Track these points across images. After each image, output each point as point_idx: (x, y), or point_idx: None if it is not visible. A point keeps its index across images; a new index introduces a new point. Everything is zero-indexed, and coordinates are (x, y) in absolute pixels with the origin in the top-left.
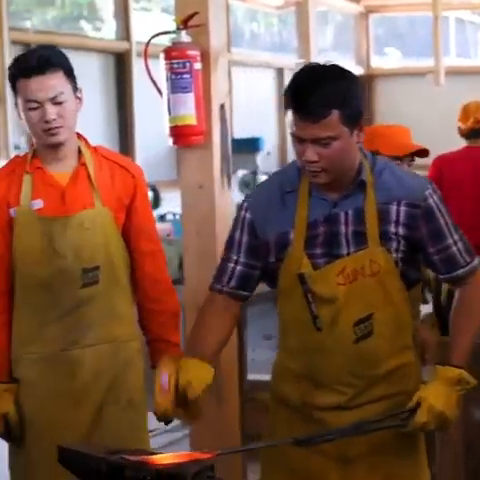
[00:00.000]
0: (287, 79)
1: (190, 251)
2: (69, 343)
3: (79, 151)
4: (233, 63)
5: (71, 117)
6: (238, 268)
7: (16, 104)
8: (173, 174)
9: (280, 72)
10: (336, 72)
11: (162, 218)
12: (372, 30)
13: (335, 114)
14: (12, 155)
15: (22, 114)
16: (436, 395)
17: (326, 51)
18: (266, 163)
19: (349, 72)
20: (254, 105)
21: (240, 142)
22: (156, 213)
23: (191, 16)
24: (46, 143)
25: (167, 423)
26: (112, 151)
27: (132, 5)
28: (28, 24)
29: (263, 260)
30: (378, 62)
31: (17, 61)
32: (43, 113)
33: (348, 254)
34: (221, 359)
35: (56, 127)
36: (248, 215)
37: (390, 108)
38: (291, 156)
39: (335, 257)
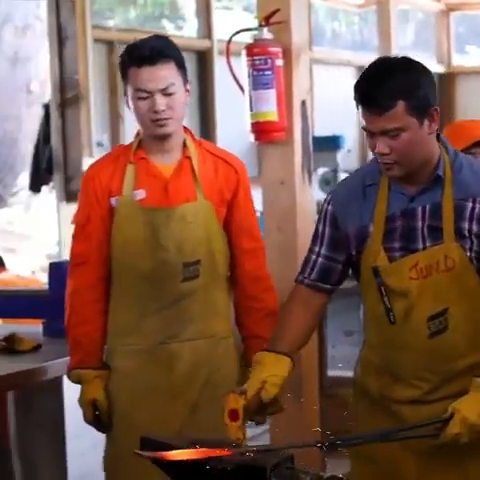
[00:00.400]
0: None
1: (271, 247)
2: (168, 336)
3: (184, 144)
4: (314, 61)
5: (180, 109)
6: (319, 260)
7: (125, 92)
8: (254, 171)
9: (361, 70)
10: (403, 64)
11: None
12: (453, 28)
13: (401, 105)
14: (95, 153)
15: (131, 103)
16: (470, 407)
17: (407, 49)
18: (346, 161)
19: (418, 63)
20: (335, 103)
21: (321, 140)
22: None
23: (273, 13)
24: (154, 134)
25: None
26: (216, 146)
27: (214, 4)
28: (110, 23)
29: (345, 253)
30: (459, 60)
31: (129, 49)
32: (152, 103)
33: (424, 249)
34: (301, 355)
35: (165, 118)
36: (330, 207)
37: (471, 106)
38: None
39: (411, 251)
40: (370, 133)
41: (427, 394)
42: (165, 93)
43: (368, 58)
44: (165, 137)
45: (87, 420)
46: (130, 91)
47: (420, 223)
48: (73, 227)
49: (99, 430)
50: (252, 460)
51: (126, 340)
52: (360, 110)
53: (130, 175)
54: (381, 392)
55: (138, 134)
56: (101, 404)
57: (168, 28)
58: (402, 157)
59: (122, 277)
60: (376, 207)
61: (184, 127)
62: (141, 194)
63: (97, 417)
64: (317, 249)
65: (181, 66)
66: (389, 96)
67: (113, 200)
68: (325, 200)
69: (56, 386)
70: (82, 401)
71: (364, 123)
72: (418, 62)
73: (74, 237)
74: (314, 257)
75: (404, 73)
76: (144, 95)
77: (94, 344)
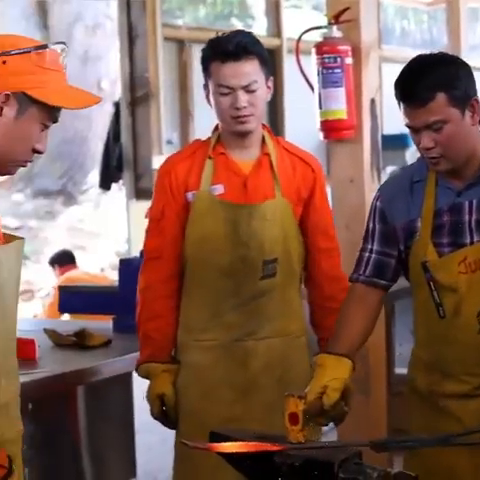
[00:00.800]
0: None
1: (340, 245)
2: (245, 333)
3: (263, 141)
4: (383, 59)
5: (261, 106)
6: (373, 256)
7: (205, 86)
8: (323, 169)
9: None
10: (440, 58)
11: None
12: None
13: (441, 97)
14: (165, 150)
15: (211, 97)
16: None
17: (476, 48)
18: (415, 159)
19: (457, 58)
20: None
21: (389, 138)
22: None
23: (343, 11)
24: (234, 130)
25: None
26: (293, 144)
27: (283, 3)
28: (180, 22)
29: (396, 248)
30: None
31: (213, 44)
32: (234, 99)
33: (471, 243)
34: (369, 353)
35: (246, 115)
36: (379, 204)
37: None
38: None
39: (460, 246)
40: (413, 129)
41: (476, 389)
42: (247, 90)
43: None
44: (245, 134)
45: (154, 415)
46: (212, 86)
47: (467, 217)
48: (147, 222)
49: (166, 425)
50: (320, 455)
51: (201, 336)
52: (402, 107)
53: (208, 170)
54: (430, 388)
55: (216, 129)
56: (169, 399)
57: (237, 27)
58: (447, 150)
59: (198, 273)
60: (424, 202)
61: (262, 124)
62: (219, 189)
63: (164, 412)
64: (369, 246)
65: (264, 63)
66: (429, 88)
67: (189, 195)
68: (374, 197)
69: (125, 381)
70: (150, 395)
71: (407, 120)
72: (455, 56)
73: (148, 232)
74: (367, 254)
75: (442, 66)
76: (226, 91)
77: (165, 339)
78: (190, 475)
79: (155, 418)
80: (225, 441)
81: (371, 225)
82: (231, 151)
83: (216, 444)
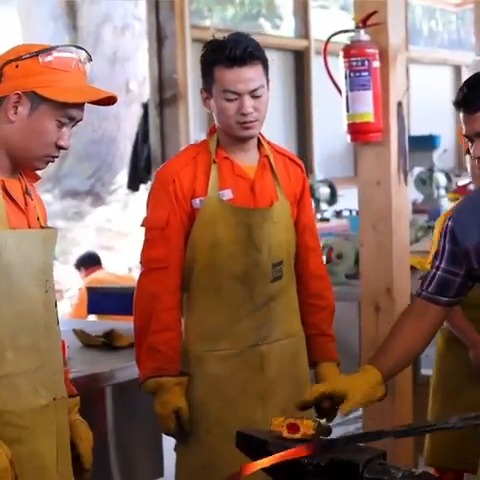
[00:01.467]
0: (464, 76)
1: (366, 246)
2: (259, 338)
3: (259, 143)
4: (410, 61)
5: (265, 110)
6: (438, 274)
7: (204, 90)
8: (349, 171)
9: (457, 70)
10: None
11: (338, 214)
12: None
13: None
14: None
15: (213, 102)
16: None
17: None
18: (442, 160)
19: None
20: (431, 103)
21: (417, 139)
22: (332, 209)
23: (370, 15)
24: (238, 135)
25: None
26: (278, 144)
27: (311, 3)
28: (208, 22)
29: (465, 267)
30: None
31: (216, 48)
32: (241, 105)
33: None
34: None
35: (251, 121)
36: (450, 223)
37: None
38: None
39: None
40: (469, 138)
41: None
42: (253, 95)
43: (465, 57)
44: (247, 139)
45: (170, 431)
46: (216, 91)
47: None
48: (145, 230)
49: (179, 440)
50: (345, 456)
51: (216, 345)
52: (461, 116)
53: (214, 175)
54: None
55: (211, 132)
56: (185, 412)
57: (265, 27)
58: None
59: (208, 280)
60: None
61: None
62: (228, 194)
63: (179, 427)
64: (437, 263)
65: (266, 67)
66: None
67: (197, 201)
68: (448, 217)
69: None
70: (164, 411)
71: (464, 129)
72: None
73: (149, 241)
74: (434, 271)
75: None
76: (232, 97)
77: (174, 352)
78: None
79: (168, 434)
80: (251, 441)
81: (442, 243)
82: (233, 155)
83: (250, 465)
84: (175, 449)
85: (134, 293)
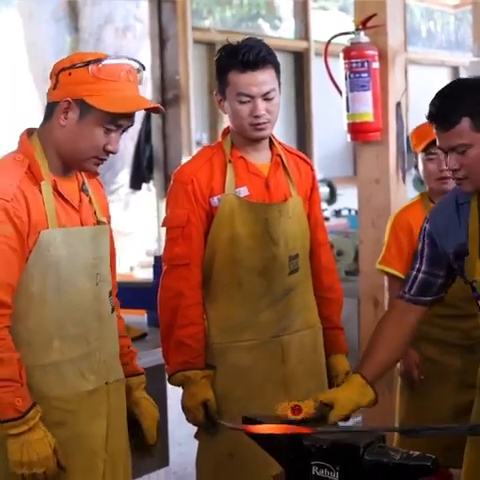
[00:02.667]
0: (462, 77)
1: (366, 243)
2: (280, 329)
3: (271, 143)
4: (409, 62)
5: (276, 112)
6: (420, 276)
7: (219, 93)
8: (349, 170)
9: (455, 71)
10: (474, 84)
11: (337, 213)
12: None
13: (465, 121)
14: (194, 151)
15: (227, 104)
16: None
17: None
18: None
19: None
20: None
21: None
22: (332, 208)
23: (370, 17)
24: (251, 137)
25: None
26: (287, 144)
27: (310, 5)
28: (207, 23)
29: (445, 268)
30: None
31: (231, 52)
32: (254, 107)
33: None
34: None
35: (264, 122)
36: (428, 226)
37: None
38: None
39: None
40: (441, 150)
41: None
42: (266, 98)
43: (463, 58)
44: (260, 140)
45: (198, 422)
46: (229, 94)
47: None
48: (166, 230)
49: (209, 430)
50: (346, 439)
51: (240, 336)
52: (434, 129)
53: (230, 174)
54: None
55: (225, 133)
56: (213, 404)
57: (264, 28)
58: (471, 172)
59: (229, 274)
60: (469, 224)
61: None
62: (244, 191)
63: (207, 418)
64: (417, 265)
65: (278, 71)
66: (454, 113)
67: (215, 199)
68: (425, 219)
69: (160, 372)
70: (192, 403)
71: (438, 142)
72: None
73: (172, 239)
74: (414, 273)
75: (473, 91)
76: (246, 99)
77: (200, 345)
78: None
79: (198, 424)
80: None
81: (420, 246)
82: (247, 154)
83: (251, 426)
84: (196, 436)
85: (158, 291)
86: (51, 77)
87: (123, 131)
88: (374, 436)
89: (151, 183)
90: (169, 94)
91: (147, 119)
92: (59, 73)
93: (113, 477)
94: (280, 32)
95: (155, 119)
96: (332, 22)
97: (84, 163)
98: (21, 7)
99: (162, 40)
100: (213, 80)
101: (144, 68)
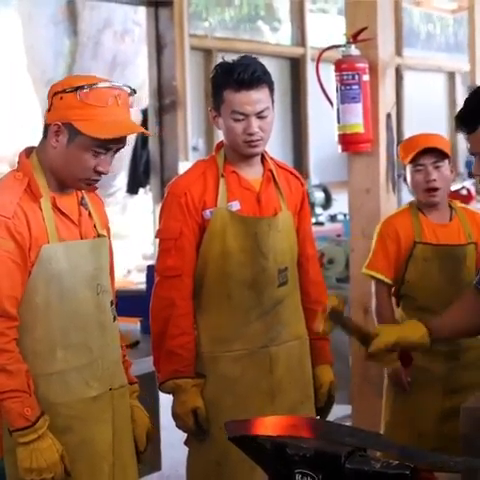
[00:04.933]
0: (458, 83)
1: (357, 251)
2: (268, 340)
3: (263, 158)
4: (405, 67)
5: (269, 130)
6: None
7: (213, 109)
8: (344, 176)
9: (451, 76)
10: None
11: (333, 218)
12: None
13: None
14: (191, 156)
15: (221, 121)
16: None
17: None
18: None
19: None
20: (425, 108)
21: None
22: (327, 214)
23: (360, 31)
24: (244, 153)
25: None
26: (278, 160)
27: (308, 6)
28: (206, 25)
29: None
30: None
31: (226, 71)
32: (248, 125)
33: None
34: None
35: (257, 140)
36: None
37: None
38: (462, 159)
39: None
40: (473, 155)
41: None
42: (259, 116)
43: (459, 64)
44: (252, 156)
45: (188, 429)
46: (224, 111)
47: None
48: (159, 241)
49: (198, 437)
50: (329, 448)
51: (230, 346)
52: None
53: (223, 188)
54: None
55: (218, 148)
56: (202, 411)
57: (263, 30)
58: None
59: (220, 286)
60: None
61: None
62: (236, 205)
63: (197, 425)
64: None
65: (272, 90)
66: (473, 118)
67: (207, 212)
68: None
69: (152, 380)
70: (182, 410)
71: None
72: None
73: (165, 250)
74: None
75: None
76: (240, 117)
77: (191, 355)
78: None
79: (188, 431)
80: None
81: None
82: (240, 169)
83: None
84: (185, 443)
85: (150, 300)
86: (48, 98)
87: (116, 151)
88: (355, 445)
89: (148, 187)
90: (166, 100)
91: (144, 124)
92: (53, 96)
93: (124, 478)
94: (278, 36)
95: (152, 125)
96: (331, 26)
97: (76, 183)
98: (20, 10)
99: (159, 46)
100: (210, 86)
101: (135, 92)
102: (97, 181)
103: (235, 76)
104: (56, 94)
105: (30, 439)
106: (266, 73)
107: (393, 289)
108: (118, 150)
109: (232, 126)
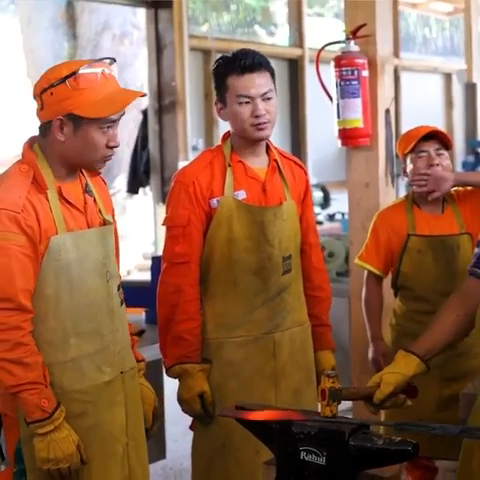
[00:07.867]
0: (454, 84)
1: (356, 245)
2: (273, 326)
3: (267, 148)
4: (403, 68)
5: (275, 113)
6: None
7: (218, 102)
8: (342, 175)
9: (448, 77)
10: None
11: (331, 218)
12: None
13: None
14: (191, 156)
15: (227, 110)
16: None
17: None
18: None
19: None
20: (422, 109)
21: None
22: (325, 213)
23: (360, 27)
24: (252, 137)
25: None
26: (282, 149)
27: (305, 10)
28: (204, 28)
29: None
30: None
31: (228, 60)
32: (254, 108)
33: None
34: None
35: (264, 122)
36: None
37: None
38: (459, 158)
39: None
40: None
41: None
42: (264, 98)
43: (455, 66)
44: (260, 140)
45: (195, 413)
46: (229, 98)
47: None
48: (166, 229)
49: (205, 421)
50: (333, 426)
51: (235, 332)
52: None
53: (229, 177)
54: None
55: (225, 138)
56: (208, 396)
57: (260, 34)
58: None
59: (226, 273)
60: None
61: None
62: (242, 194)
63: (204, 409)
64: None
65: (273, 76)
66: None
67: (214, 201)
68: None
69: (157, 367)
70: (188, 394)
71: None
72: None
73: (173, 238)
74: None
75: None
76: (245, 100)
77: (197, 340)
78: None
79: (195, 415)
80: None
81: None
82: (246, 159)
83: (245, 412)
84: (191, 428)
85: (157, 287)
86: (35, 98)
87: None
88: (359, 423)
89: (148, 187)
90: (165, 100)
91: (144, 125)
92: (41, 94)
93: (138, 458)
94: (275, 39)
95: (152, 125)
96: (327, 29)
97: (94, 164)
98: (20, 14)
99: (159, 47)
100: (209, 86)
101: (115, 60)
102: (111, 156)
103: (238, 62)
104: (44, 91)
105: (47, 430)
106: (266, 60)
107: (391, 281)
108: (120, 119)
109: (238, 111)
